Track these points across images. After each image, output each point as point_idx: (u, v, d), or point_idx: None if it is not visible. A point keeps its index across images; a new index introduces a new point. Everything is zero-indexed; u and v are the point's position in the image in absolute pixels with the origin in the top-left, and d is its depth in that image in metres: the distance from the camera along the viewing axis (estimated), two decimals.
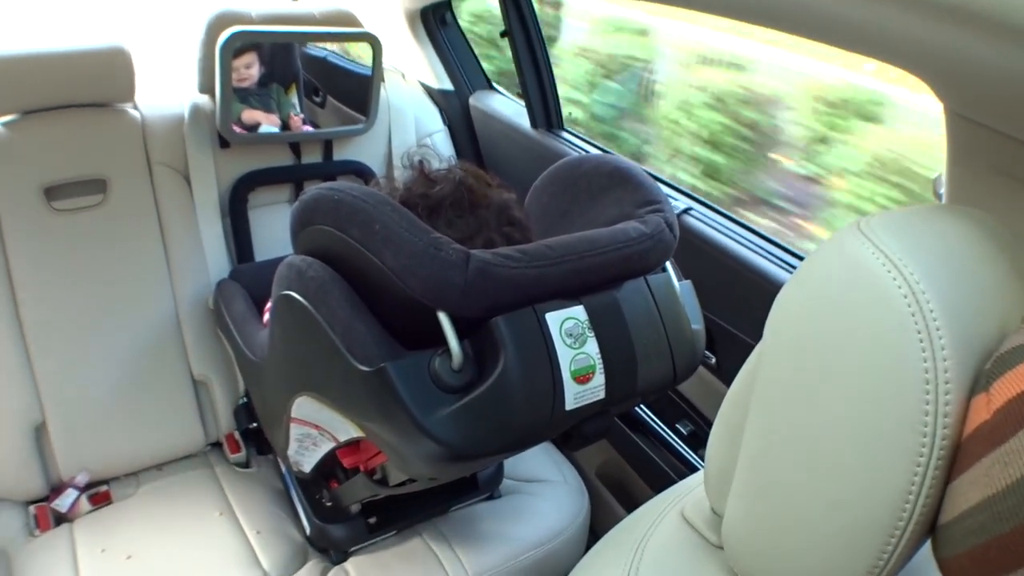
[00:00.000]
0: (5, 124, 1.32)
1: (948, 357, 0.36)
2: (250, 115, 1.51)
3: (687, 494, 0.63)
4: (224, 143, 1.49)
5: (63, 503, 1.32)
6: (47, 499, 1.34)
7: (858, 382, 0.38)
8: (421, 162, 0.95)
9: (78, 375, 1.35)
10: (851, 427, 0.39)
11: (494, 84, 1.92)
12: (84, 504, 1.34)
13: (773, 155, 2.02)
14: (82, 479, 1.36)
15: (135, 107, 1.46)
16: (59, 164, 1.34)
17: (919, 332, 0.36)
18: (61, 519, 1.32)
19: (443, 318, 0.73)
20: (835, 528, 0.40)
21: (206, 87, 1.46)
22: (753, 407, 0.46)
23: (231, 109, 1.42)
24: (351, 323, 0.76)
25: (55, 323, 1.33)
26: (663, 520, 0.60)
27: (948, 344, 0.36)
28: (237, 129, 1.47)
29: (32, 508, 1.32)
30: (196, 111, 1.47)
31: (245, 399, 1.47)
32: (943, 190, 0.77)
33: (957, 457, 0.37)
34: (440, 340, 0.74)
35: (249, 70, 1.51)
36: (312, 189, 0.81)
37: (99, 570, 1.21)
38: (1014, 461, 0.33)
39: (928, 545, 0.41)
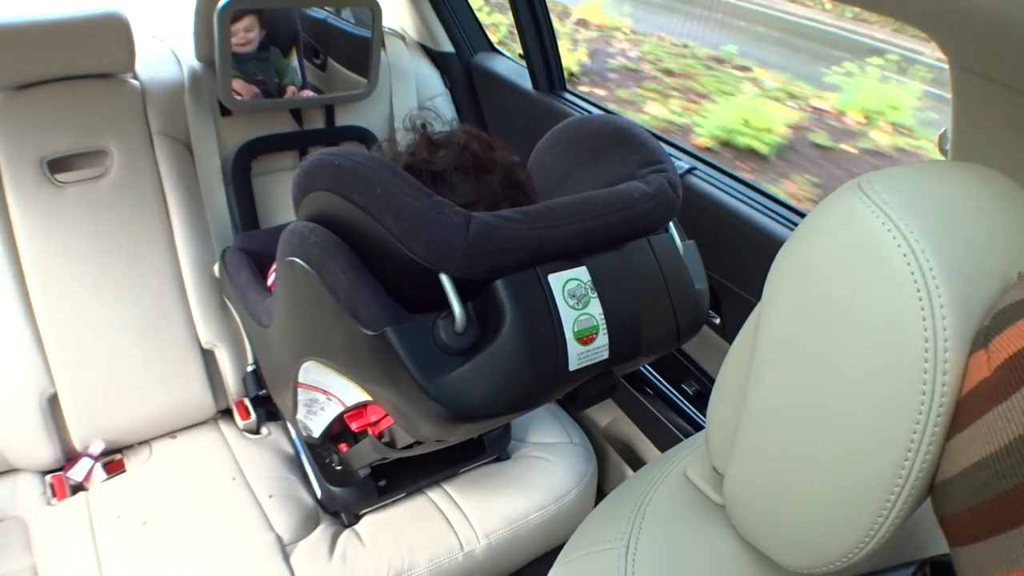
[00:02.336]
0: (5, 96, 1.32)
1: (947, 315, 0.36)
2: (235, 84, 1.50)
3: (690, 453, 0.63)
4: (225, 111, 1.48)
5: (78, 472, 1.34)
6: (63, 469, 1.36)
7: (856, 341, 0.38)
8: (424, 125, 0.95)
9: (87, 346, 1.36)
10: (850, 385, 0.39)
11: (496, 46, 1.90)
12: (99, 472, 1.36)
13: None
14: (96, 448, 1.38)
15: (135, 77, 1.45)
16: (60, 136, 1.34)
17: (918, 290, 0.36)
18: (77, 488, 1.34)
19: (445, 280, 0.73)
20: (834, 486, 0.41)
21: (204, 55, 1.44)
22: (753, 366, 0.46)
23: (231, 76, 1.41)
24: (354, 288, 0.76)
25: (62, 295, 1.34)
26: (666, 479, 0.61)
27: (947, 302, 0.36)
28: (238, 96, 1.46)
29: (48, 477, 1.35)
30: (196, 79, 1.47)
31: (254, 366, 1.48)
32: (948, 146, 0.76)
33: (956, 414, 0.37)
34: (444, 303, 0.74)
35: (249, 33, 1.50)
36: (313, 155, 0.80)
37: (116, 537, 1.23)
38: (1017, 418, 0.33)
39: (928, 504, 0.41)
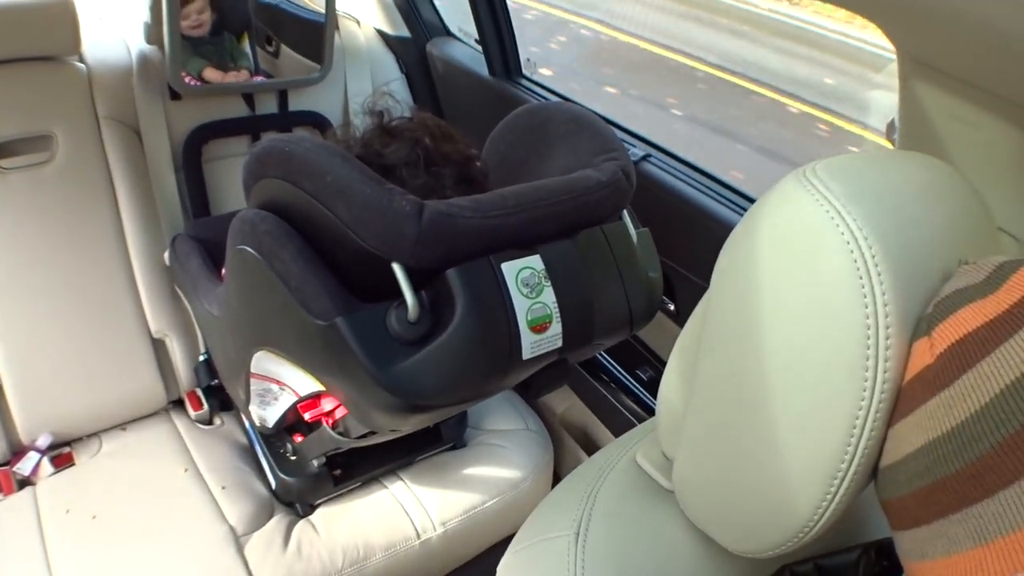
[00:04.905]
0: None
1: (889, 302, 0.36)
2: (212, 75, 1.48)
3: (640, 439, 0.64)
4: (175, 95, 1.45)
5: (25, 467, 1.31)
6: (8, 463, 1.33)
7: (799, 328, 0.39)
8: (382, 113, 0.94)
9: (32, 336, 1.33)
10: (793, 372, 0.39)
11: (451, 31, 1.89)
12: (46, 467, 1.32)
13: None
14: (43, 441, 1.35)
15: (81, 59, 1.41)
16: (2, 122, 1.30)
17: (860, 278, 0.36)
18: (24, 482, 1.31)
19: (398, 269, 0.72)
20: (778, 471, 0.41)
21: (154, 37, 1.41)
22: (701, 353, 0.46)
23: (180, 60, 1.38)
24: (305, 277, 0.75)
25: (7, 284, 1.31)
26: (616, 465, 0.61)
27: (889, 290, 0.36)
28: (188, 80, 1.43)
29: None
30: (144, 62, 1.43)
31: (206, 356, 1.46)
32: (896, 135, 0.77)
33: (899, 401, 0.37)
34: (396, 292, 0.73)
35: (202, 16, 1.46)
36: (264, 141, 0.79)
37: (64, 531, 1.21)
38: (958, 404, 0.33)
39: (873, 489, 0.42)
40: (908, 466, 0.36)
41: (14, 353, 1.32)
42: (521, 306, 0.76)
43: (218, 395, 1.47)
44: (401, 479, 1.35)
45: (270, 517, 1.27)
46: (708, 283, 0.46)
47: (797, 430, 0.40)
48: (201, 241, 1.29)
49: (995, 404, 0.31)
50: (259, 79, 1.56)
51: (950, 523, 0.34)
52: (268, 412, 1.03)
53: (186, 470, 1.33)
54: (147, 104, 1.42)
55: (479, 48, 1.70)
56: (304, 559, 1.20)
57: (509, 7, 1.62)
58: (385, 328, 0.73)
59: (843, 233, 0.37)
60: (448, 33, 1.88)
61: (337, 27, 1.63)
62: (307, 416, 1.05)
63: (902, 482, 0.37)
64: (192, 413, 1.46)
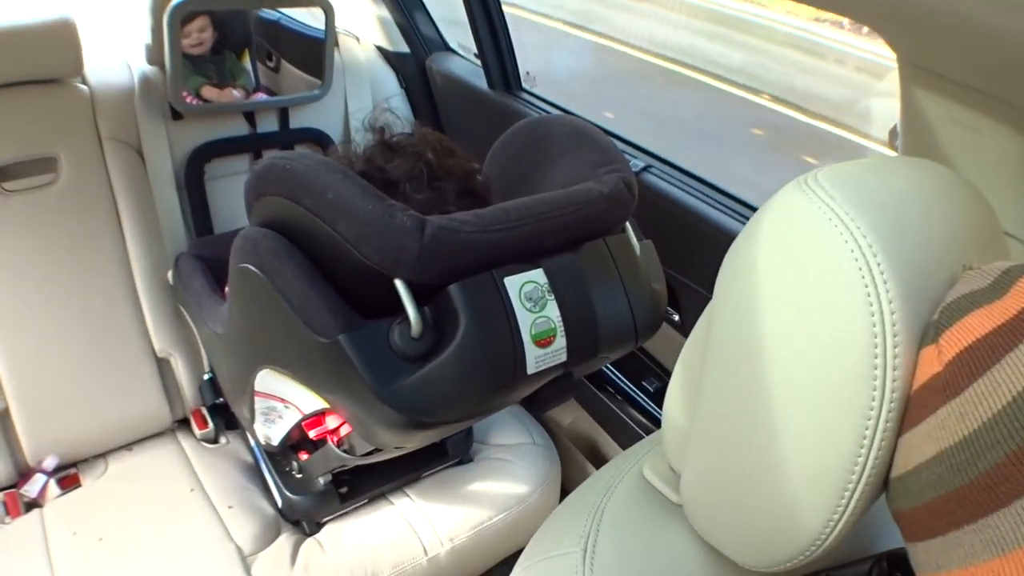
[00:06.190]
0: None
1: (896, 310, 0.36)
2: (209, 92, 1.48)
3: (647, 452, 0.63)
4: (176, 115, 1.46)
5: (32, 489, 1.31)
6: (16, 485, 1.33)
7: (806, 339, 0.38)
8: (383, 129, 0.94)
9: (39, 358, 1.33)
10: (801, 384, 0.39)
11: (451, 45, 1.89)
12: (53, 488, 1.32)
13: None
14: (50, 463, 1.34)
15: (83, 81, 1.42)
16: (6, 144, 1.30)
17: (866, 286, 0.36)
18: (31, 505, 1.30)
19: (400, 286, 0.72)
20: (788, 484, 0.41)
21: (155, 58, 1.41)
22: (705, 364, 0.46)
23: (182, 79, 1.38)
24: (307, 294, 0.75)
25: (12, 306, 1.31)
26: (624, 479, 0.60)
27: (896, 297, 0.36)
28: (189, 99, 1.43)
29: (1, 495, 1.31)
30: (146, 83, 1.44)
31: (210, 374, 1.46)
32: (899, 141, 0.77)
33: (908, 410, 0.37)
34: (399, 309, 0.73)
35: (203, 34, 1.48)
36: (265, 159, 0.79)
37: (71, 554, 1.20)
38: (970, 413, 0.33)
39: (883, 498, 0.41)
40: (920, 477, 0.36)
41: (20, 375, 1.32)
42: (525, 320, 0.76)
43: (223, 414, 1.47)
44: (408, 495, 1.34)
45: (277, 536, 1.26)
46: (712, 293, 0.46)
47: (805, 442, 0.39)
48: (204, 259, 1.29)
49: (1007, 412, 0.31)
50: (260, 96, 1.57)
51: (966, 534, 0.33)
52: (273, 430, 1.03)
53: (192, 490, 1.32)
54: (149, 124, 1.43)
55: (478, 62, 1.70)
56: None
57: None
58: (388, 345, 0.73)
59: (847, 241, 0.37)
60: (447, 48, 1.88)
61: (337, 44, 1.64)
62: (312, 434, 1.04)
63: (914, 493, 0.36)
64: (197, 432, 1.45)
